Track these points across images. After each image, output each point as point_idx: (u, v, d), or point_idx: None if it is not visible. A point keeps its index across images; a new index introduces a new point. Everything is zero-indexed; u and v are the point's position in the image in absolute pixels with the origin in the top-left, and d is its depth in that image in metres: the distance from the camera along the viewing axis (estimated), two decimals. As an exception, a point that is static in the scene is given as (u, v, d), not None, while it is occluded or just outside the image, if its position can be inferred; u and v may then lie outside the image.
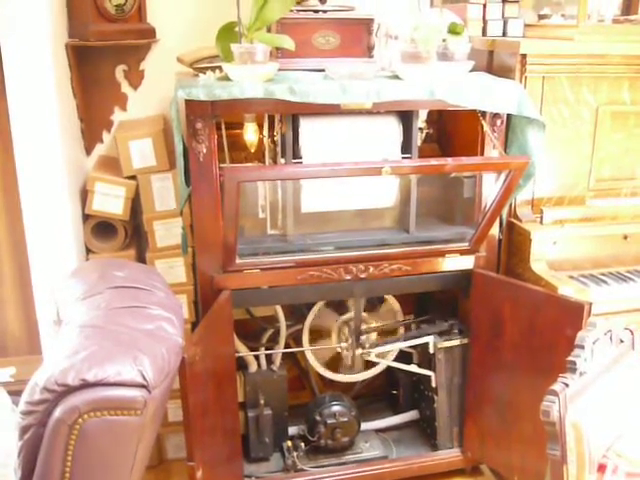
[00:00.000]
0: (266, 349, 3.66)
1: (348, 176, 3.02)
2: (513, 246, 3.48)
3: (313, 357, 3.78)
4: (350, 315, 3.68)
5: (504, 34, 3.57)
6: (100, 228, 3.57)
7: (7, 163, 3.42)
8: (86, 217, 3.56)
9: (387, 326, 3.84)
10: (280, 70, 3.06)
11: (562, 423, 2.14)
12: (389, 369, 3.91)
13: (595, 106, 3.43)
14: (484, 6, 3.60)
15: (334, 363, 3.88)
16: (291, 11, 3.10)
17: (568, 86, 3.36)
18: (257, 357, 3.61)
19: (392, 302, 3.81)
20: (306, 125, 3.16)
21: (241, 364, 3.57)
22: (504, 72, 3.34)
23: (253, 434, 3.61)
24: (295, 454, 3.60)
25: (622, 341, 2.50)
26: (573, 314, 2.96)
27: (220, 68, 3.04)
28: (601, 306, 3.13)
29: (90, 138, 3.80)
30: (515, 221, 3.45)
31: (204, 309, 3.16)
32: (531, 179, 3.31)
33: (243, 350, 3.55)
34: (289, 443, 3.66)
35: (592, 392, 2.28)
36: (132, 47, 3.69)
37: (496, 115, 3.24)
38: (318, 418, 3.60)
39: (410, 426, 3.99)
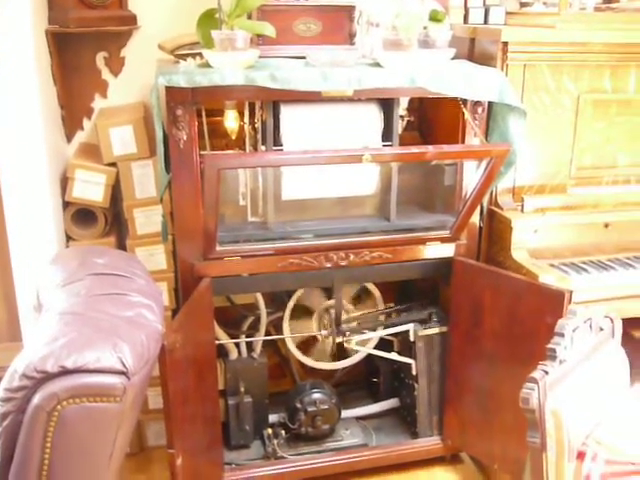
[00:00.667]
0: (246, 336, 3.66)
1: (328, 163, 3.02)
2: (494, 234, 3.49)
3: (294, 345, 3.78)
4: (330, 303, 3.67)
5: (486, 22, 3.56)
6: (80, 215, 3.55)
7: (-14, 150, 3.40)
8: (66, 204, 3.54)
9: (368, 314, 3.85)
10: (261, 57, 3.05)
11: (542, 410, 2.15)
12: (370, 357, 3.91)
13: (576, 94, 3.43)
14: (466, -7, 3.61)
15: (314, 350, 3.88)
16: (272, -3, 3.10)
17: (549, 74, 3.36)
18: (237, 344, 3.61)
19: (373, 290, 3.81)
20: (287, 112, 3.15)
21: (221, 351, 3.57)
22: (485, 60, 3.34)
23: (233, 422, 3.61)
24: (275, 442, 3.60)
25: (602, 329, 2.51)
26: (553, 302, 2.97)
27: (201, 55, 3.03)
28: (581, 294, 3.14)
29: (70, 125, 3.77)
30: (496, 209, 3.46)
31: (184, 296, 3.15)
32: (512, 167, 3.31)
33: (223, 337, 3.55)
34: (269, 431, 3.66)
35: (572, 380, 2.29)
36: (113, 34, 3.66)
37: (477, 103, 3.24)
38: (299, 406, 3.61)
39: (390, 414, 4.00)
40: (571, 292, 2.95)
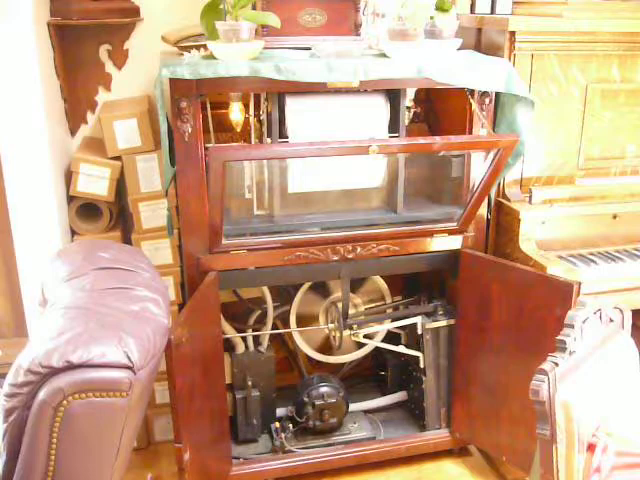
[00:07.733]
0: (253, 330, 3.65)
1: (335, 155, 2.99)
2: (502, 226, 3.47)
3: (301, 338, 3.77)
4: (338, 296, 3.65)
5: (492, 11, 3.53)
6: (85, 210, 3.55)
7: (-10, 145, 3.39)
8: (71, 199, 3.53)
9: (375, 307, 3.83)
10: (266, 48, 3.03)
11: (551, 402, 2.13)
12: (377, 350, 3.90)
13: (584, 84, 3.41)
14: (472, -17, 3.58)
15: (322, 344, 3.87)
16: (276, -12, 3.07)
17: (557, 64, 3.34)
18: (244, 338, 3.60)
19: (380, 283, 3.80)
20: (292, 104, 3.13)
21: (228, 346, 3.56)
22: (493, 50, 3.32)
23: (241, 416, 3.60)
24: (283, 435, 3.58)
25: (612, 320, 2.49)
26: (562, 294, 2.96)
27: (205, 46, 3.01)
28: (590, 286, 3.14)
29: (74, 119, 3.76)
30: (504, 201, 3.44)
31: (190, 291, 3.14)
32: (520, 158, 3.30)
33: (230, 331, 3.54)
34: (277, 424, 3.65)
35: (582, 371, 2.27)
36: (116, 26, 3.65)
37: (484, 93, 3.22)
38: (306, 399, 3.60)
39: (398, 407, 3.99)
40: (580, 284, 2.94)
